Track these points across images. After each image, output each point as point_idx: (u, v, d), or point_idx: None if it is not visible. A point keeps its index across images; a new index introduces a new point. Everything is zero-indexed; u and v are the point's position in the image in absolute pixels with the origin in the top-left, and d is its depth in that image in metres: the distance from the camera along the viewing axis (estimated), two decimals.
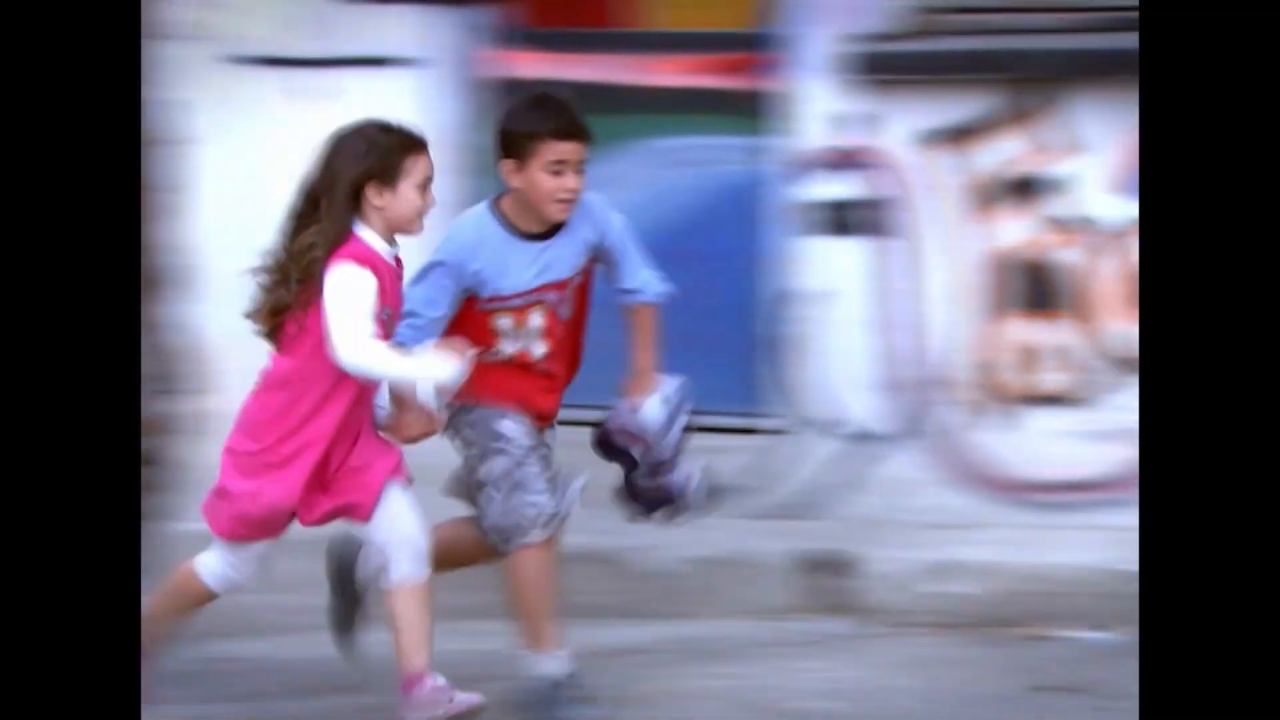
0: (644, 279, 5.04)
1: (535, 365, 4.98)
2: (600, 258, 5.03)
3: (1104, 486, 6.11)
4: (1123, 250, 6.10)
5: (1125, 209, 6.08)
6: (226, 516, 4.74)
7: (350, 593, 5.10)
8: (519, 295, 4.95)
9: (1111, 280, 6.13)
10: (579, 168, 4.91)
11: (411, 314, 4.86)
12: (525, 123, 4.92)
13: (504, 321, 4.95)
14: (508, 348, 4.95)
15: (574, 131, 4.91)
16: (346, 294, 4.64)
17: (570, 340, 5.03)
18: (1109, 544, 5.85)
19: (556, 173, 4.88)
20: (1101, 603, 5.64)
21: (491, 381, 4.91)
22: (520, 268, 4.95)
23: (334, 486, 4.70)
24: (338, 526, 4.78)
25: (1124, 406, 6.07)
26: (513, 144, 4.92)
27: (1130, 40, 5.94)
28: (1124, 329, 6.11)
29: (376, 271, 4.69)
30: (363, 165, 4.70)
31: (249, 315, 4.73)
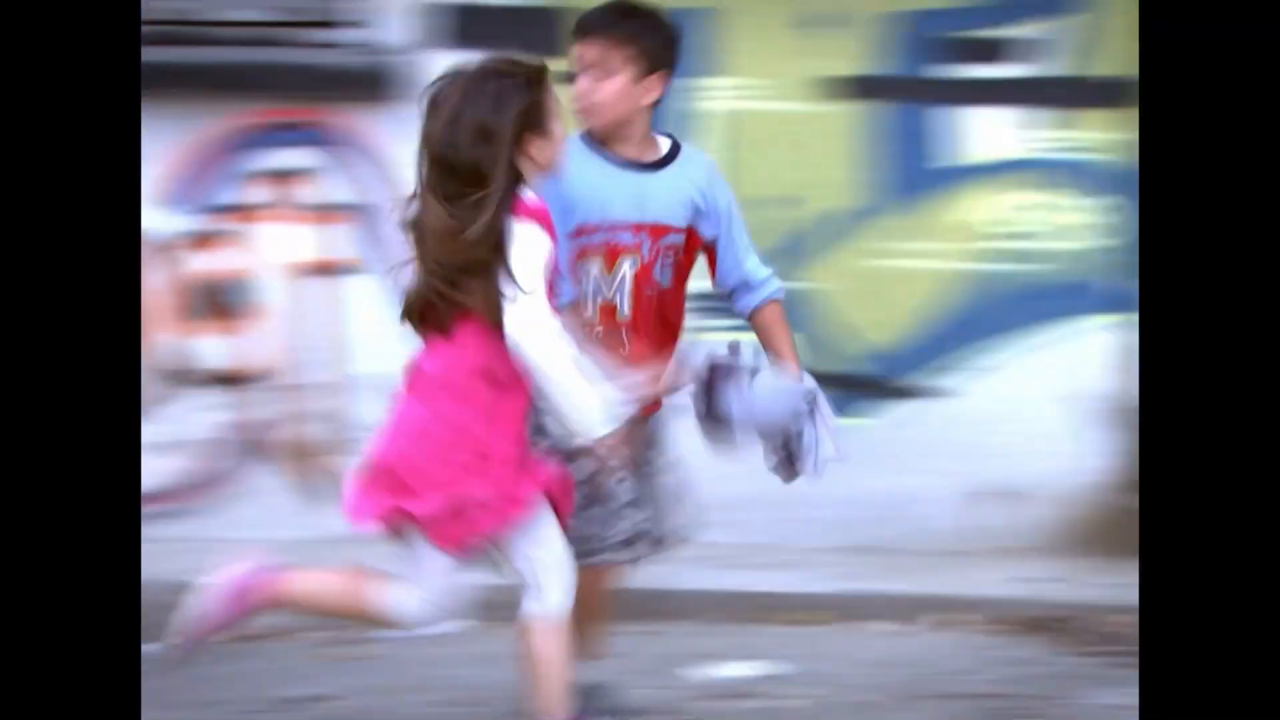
0: (755, 270, 4.56)
1: (615, 332, 4.42)
2: (697, 230, 4.49)
3: (160, 498, 6.15)
4: (172, 262, 6.18)
5: (171, 221, 6.16)
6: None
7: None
8: (611, 228, 4.39)
9: (162, 292, 6.19)
10: (594, 73, 4.34)
11: None
12: None
13: (592, 266, 4.38)
14: (591, 297, 4.40)
15: (579, 29, 4.37)
16: (529, 258, 3.97)
17: (658, 319, 4.47)
18: (162, 556, 5.90)
19: (573, 77, 4.37)
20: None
21: None
22: (614, 192, 4.39)
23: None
24: None
25: (176, 419, 6.18)
26: None
27: (185, 54, 6.04)
28: (174, 341, 6.19)
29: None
30: (519, 116, 3.98)
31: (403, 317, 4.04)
